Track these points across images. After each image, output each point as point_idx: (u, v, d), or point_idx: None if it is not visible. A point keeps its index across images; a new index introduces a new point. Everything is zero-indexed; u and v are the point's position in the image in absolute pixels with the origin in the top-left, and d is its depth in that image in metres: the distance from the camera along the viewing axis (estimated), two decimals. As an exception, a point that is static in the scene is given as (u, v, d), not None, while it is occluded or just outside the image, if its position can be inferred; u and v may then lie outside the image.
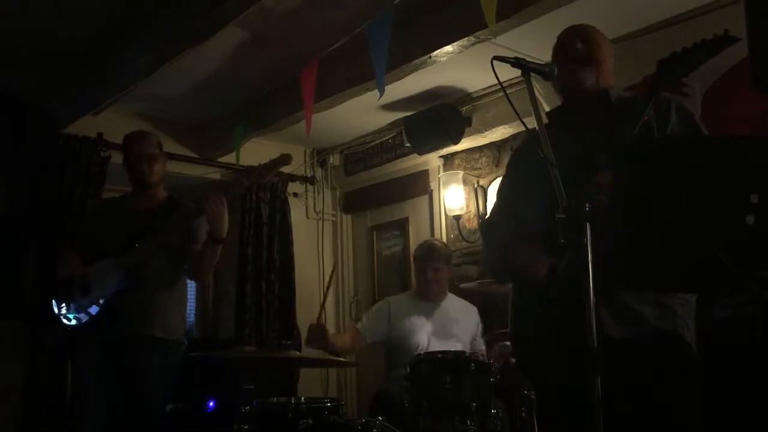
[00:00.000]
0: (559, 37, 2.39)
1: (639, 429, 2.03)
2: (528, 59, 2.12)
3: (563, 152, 2.04)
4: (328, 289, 4.33)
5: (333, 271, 4.76)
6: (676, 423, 2.05)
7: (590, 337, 1.78)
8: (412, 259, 4.45)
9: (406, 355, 3.71)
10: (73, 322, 3.41)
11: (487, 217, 2.61)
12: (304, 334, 5.42)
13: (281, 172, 4.28)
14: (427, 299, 4.22)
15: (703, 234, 1.68)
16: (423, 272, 4.22)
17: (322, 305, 3.94)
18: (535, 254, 2.12)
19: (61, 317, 3.43)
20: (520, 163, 2.50)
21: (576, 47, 2.32)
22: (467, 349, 3.91)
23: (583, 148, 2.10)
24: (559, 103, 2.48)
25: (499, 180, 4.92)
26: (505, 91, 2.11)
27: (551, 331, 2.11)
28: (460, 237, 5.18)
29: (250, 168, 5.17)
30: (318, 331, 3.83)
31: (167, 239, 3.46)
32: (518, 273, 2.26)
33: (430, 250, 4.24)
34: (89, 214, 4.24)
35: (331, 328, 5.88)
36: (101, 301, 3.37)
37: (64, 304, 3.43)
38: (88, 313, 3.38)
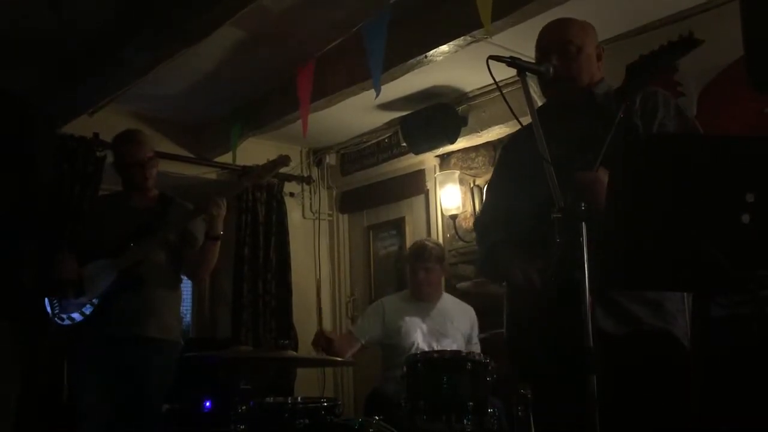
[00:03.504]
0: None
1: (631, 424, 2.03)
2: (524, 58, 2.12)
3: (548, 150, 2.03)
4: None
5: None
6: (668, 418, 2.06)
7: (586, 337, 1.78)
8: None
9: (402, 355, 3.71)
10: (67, 321, 3.39)
11: (479, 215, 2.59)
12: (300, 334, 5.47)
13: (278, 172, 4.27)
14: (422, 300, 4.19)
15: (699, 233, 1.68)
16: (414, 273, 4.17)
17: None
18: (525, 263, 2.13)
19: (55, 317, 3.42)
20: (511, 160, 2.48)
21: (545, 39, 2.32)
22: (463, 349, 3.90)
23: (565, 146, 2.09)
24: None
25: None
26: (501, 91, 2.11)
27: (547, 332, 2.11)
28: (457, 236, 5.18)
29: (249, 168, 5.18)
30: (323, 342, 3.91)
31: (165, 239, 3.45)
32: (509, 280, 2.27)
33: (420, 251, 4.18)
34: (88, 212, 4.22)
35: (327, 327, 5.88)
36: (95, 301, 3.36)
37: (57, 304, 3.42)
38: (82, 313, 3.37)
